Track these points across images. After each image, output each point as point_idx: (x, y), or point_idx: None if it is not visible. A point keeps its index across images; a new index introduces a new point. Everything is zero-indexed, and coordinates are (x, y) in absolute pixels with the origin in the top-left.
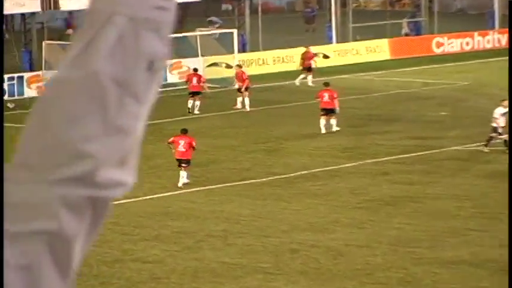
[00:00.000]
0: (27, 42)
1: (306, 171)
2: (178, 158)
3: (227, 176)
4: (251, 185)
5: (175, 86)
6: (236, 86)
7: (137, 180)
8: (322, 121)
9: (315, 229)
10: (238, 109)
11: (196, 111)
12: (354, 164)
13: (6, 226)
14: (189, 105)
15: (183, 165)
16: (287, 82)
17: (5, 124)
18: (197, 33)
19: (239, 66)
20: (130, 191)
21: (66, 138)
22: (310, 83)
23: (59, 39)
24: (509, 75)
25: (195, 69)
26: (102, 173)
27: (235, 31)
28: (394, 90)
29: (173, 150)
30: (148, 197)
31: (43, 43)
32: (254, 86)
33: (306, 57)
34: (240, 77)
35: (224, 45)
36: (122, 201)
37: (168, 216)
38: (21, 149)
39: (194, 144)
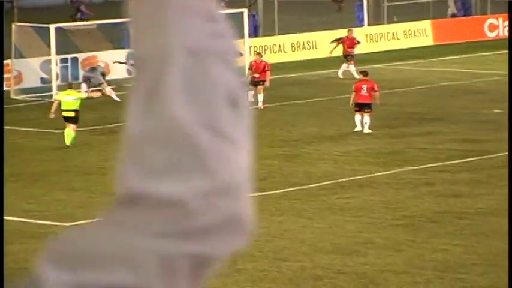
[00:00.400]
0: None
1: (331, 181)
2: None
3: None
4: (265, 197)
5: None
6: (246, 78)
7: None
8: (358, 116)
9: (342, 251)
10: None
11: None
12: (389, 172)
13: (73, 274)
14: None
15: None
16: (308, 73)
17: None
18: None
19: (259, 54)
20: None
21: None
22: (355, 74)
23: (32, 21)
24: (509, 75)
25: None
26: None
27: (245, 11)
28: (438, 83)
29: None
30: None
31: (12, 25)
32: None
33: (347, 42)
34: (259, 67)
35: (232, 28)
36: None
37: None
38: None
39: None
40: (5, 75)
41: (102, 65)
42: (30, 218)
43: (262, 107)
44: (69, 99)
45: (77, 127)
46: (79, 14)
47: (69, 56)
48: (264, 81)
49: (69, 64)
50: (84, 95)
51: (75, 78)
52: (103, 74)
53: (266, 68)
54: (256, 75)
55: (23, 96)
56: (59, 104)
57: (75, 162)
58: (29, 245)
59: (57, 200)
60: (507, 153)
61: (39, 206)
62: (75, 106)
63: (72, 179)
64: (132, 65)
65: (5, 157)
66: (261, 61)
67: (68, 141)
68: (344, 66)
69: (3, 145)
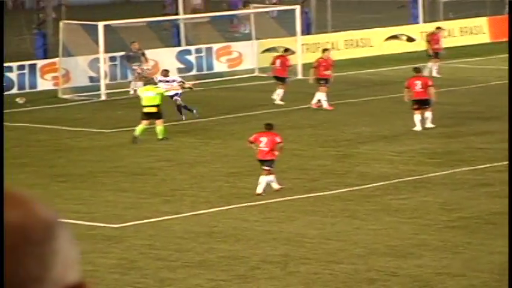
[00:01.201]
0: (40, 22)
1: (385, 182)
2: (259, 158)
3: (288, 188)
4: (318, 199)
5: (222, 77)
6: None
7: (176, 193)
8: (417, 116)
9: (396, 254)
10: (321, 107)
11: (278, 101)
12: (445, 172)
13: None
14: (280, 94)
15: (266, 167)
16: (362, 71)
17: (15, 124)
18: (250, 10)
19: (327, 50)
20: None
21: None
22: (434, 73)
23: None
24: (509, 74)
25: (286, 50)
26: None
27: (297, 8)
28: (495, 81)
29: (256, 150)
30: (189, 214)
31: (60, 23)
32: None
33: (433, 39)
34: (328, 64)
35: (284, 25)
36: (157, 219)
37: (214, 237)
38: None
39: (279, 141)
40: (53, 74)
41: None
42: (79, 219)
43: (321, 107)
44: (149, 95)
45: (163, 121)
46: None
47: (118, 54)
48: (327, 79)
49: (117, 62)
50: (163, 90)
51: (124, 77)
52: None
53: (332, 65)
54: (328, 72)
55: (71, 95)
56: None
57: (123, 162)
58: (78, 247)
59: (105, 201)
60: None
61: (88, 207)
62: (157, 101)
63: (121, 179)
64: (190, 88)
65: (52, 157)
66: (328, 58)
67: (160, 136)
68: (430, 64)
69: (3, 145)
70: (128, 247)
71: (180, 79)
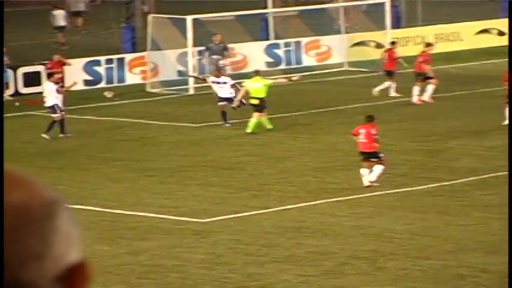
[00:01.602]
0: (129, 16)
1: (475, 177)
2: (360, 150)
3: (376, 183)
4: (407, 194)
5: (312, 71)
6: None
7: (264, 187)
8: (508, 110)
9: (487, 250)
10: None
11: (393, 94)
12: None
13: None
14: (382, 87)
15: (370, 159)
16: (452, 65)
17: (103, 118)
18: (339, 4)
19: (430, 44)
20: None
21: None
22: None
23: (169, 12)
24: (509, 75)
25: (392, 43)
26: None
27: (387, 1)
28: None
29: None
30: (277, 209)
31: (149, 17)
32: (409, 70)
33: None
34: (430, 58)
35: (373, 19)
36: (245, 214)
37: (302, 232)
38: None
39: (374, 133)
40: (141, 68)
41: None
42: (166, 213)
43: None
44: (256, 86)
45: (267, 113)
46: None
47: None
48: (425, 74)
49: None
50: (270, 82)
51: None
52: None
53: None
54: (427, 66)
55: (159, 89)
56: (247, 92)
57: (211, 156)
58: (165, 242)
59: (193, 195)
60: None
61: (175, 201)
62: (262, 93)
63: (209, 174)
64: (204, 80)
65: (140, 151)
66: (428, 52)
67: (269, 126)
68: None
69: (3, 145)
70: (215, 242)
71: (232, 81)
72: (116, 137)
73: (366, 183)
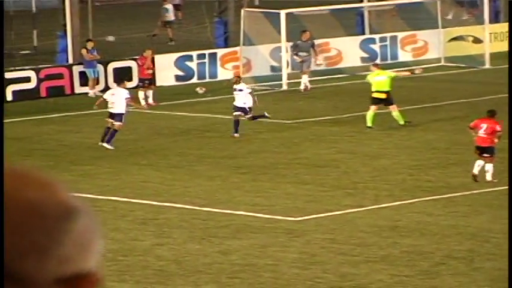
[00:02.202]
0: (221, 10)
1: None
2: (477, 145)
3: (471, 181)
4: (505, 192)
5: (407, 66)
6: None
7: (358, 186)
8: None
9: None
10: None
11: None
12: None
13: None
14: None
15: (484, 154)
16: None
17: (195, 114)
18: None
19: None
20: None
21: None
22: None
23: (262, 6)
24: (509, 75)
25: None
26: None
27: None
28: None
29: (474, 137)
30: (372, 207)
31: (241, 11)
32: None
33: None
34: None
35: (472, 13)
36: (338, 213)
37: (398, 231)
38: None
39: (499, 129)
40: (234, 63)
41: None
42: (259, 212)
43: None
44: (380, 80)
45: (397, 107)
46: None
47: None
48: None
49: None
50: (394, 74)
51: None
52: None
53: None
54: None
55: (251, 84)
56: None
57: (305, 154)
58: (257, 240)
59: (286, 193)
60: None
61: (268, 199)
62: (387, 86)
63: (302, 171)
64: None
65: (233, 148)
66: None
67: (401, 121)
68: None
69: (3, 145)
70: (308, 241)
71: (249, 90)
72: (208, 133)
73: (475, 172)
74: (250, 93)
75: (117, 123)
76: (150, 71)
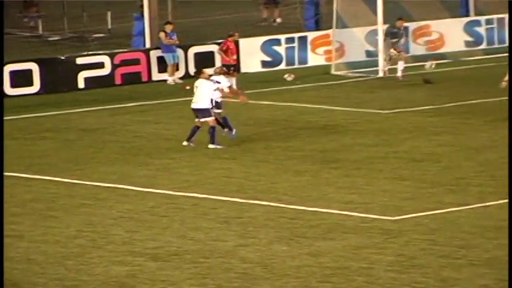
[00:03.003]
0: None
1: None
2: None
3: None
4: None
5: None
6: None
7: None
8: None
9: None
10: None
11: None
12: None
13: None
14: None
15: None
16: None
17: (283, 103)
18: None
19: None
20: None
21: None
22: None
23: None
24: (509, 75)
25: None
26: None
27: None
28: None
29: None
30: (476, 206)
31: None
32: None
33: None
34: None
35: None
36: (440, 211)
37: (504, 232)
38: None
39: None
40: (325, 48)
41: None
42: (352, 210)
43: None
44: None
45: None
46: None
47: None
48: None
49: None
50: None
51: (406, 51)
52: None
53: None
54: None
55: (345, 71)
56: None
57: (403, 147)
58: (350, 241)
59: (382, 190)
60: None
61: (362, 197)
62: None
63: (400, 166)
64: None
65: (324, 141)
66: None
67: None
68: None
69: (3, 144)
70: (406, 242)
71: (228, 83)
72: (297, 124)
73: None
74: (230, 86)
75: (208, 119)
76: (234, 57)
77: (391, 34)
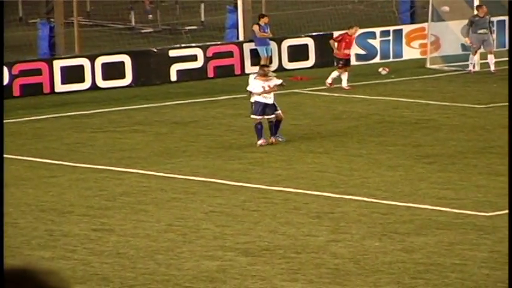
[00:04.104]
0: None
1: None
2: None
3: None
4: None
5: None
6: None
7: None
8: None
9: None
10: None
11: None
12: None
13: None
14: None
15: None
16: None
17: (377, 97)
18: None
19: None
20: None
21: None
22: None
23: None
24: (509, 75)
25: None
26: None
27: None
28: None
29: None
30: None
31: None
32: None
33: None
34: None
35: None
36: (492, 214)
37: None
38: None
39: None
40: (420, 41)
41: None
42: (446, 206)
43: None
44: None
45: None
46: None
47: (495, 19)
48: None
49: (495, 28)
50: None
51: (502, 45)
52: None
53: None
54: None
55: (440, 65)
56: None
57: (499, 142)
58: (444, 237)
59: (476, 185)
60: None
61: (456, 192)
62: None
63: (495, 161)
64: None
65: (418, 135)
66: None
67: None
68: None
69: (3, 145)
70: (501, 239)
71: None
72: (391, 118)
73: None
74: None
75: (278, 113)
76: (346, 51)
77: (472, 23)
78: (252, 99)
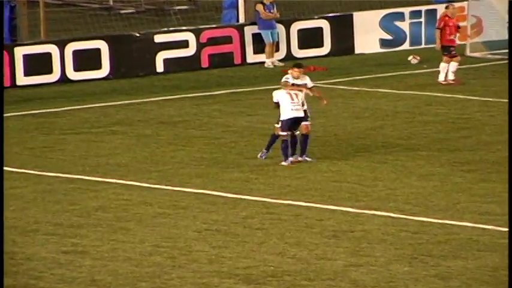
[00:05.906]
0: None
1: None
2: None
3: None
4: None
5: None
6: None
7: None
8: None
9: None
10: None
11: None
12: None
13: None
14: None
15: None
16: None
17: (405, 91)
18: None
19: None
20: None
21: None
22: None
23: None
24: (509, 75)
25: None
26: None
27: None
28: None
29: None
30: None
31: None
32: None
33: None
34: None
35: None
36: None
37: None
38: None
39: None
40: (459, 24)
41: None
42: (489, 223)
43: None
44: None
45: None
46: None
47: None
48: None
49: None
50: None
51: None
52: None
53: None
54: None
55: (483, 52)
56: None
57: None
58: (488, 261)
59: None
60: None
61: (501, 206)
62: None
63: None
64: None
65: (455, 137)
66: None
67: None
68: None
69: (3, 142)
70: None
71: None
72: (422, 117)
73: None
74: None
75: (307, 123)
76: (452, 37)
77: None
78: (281, 117)
